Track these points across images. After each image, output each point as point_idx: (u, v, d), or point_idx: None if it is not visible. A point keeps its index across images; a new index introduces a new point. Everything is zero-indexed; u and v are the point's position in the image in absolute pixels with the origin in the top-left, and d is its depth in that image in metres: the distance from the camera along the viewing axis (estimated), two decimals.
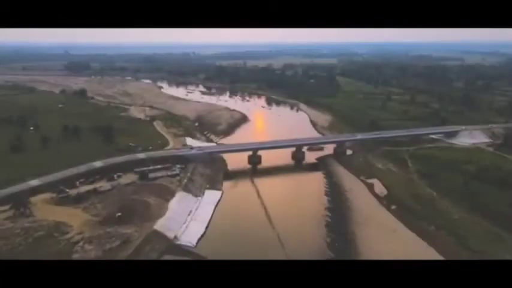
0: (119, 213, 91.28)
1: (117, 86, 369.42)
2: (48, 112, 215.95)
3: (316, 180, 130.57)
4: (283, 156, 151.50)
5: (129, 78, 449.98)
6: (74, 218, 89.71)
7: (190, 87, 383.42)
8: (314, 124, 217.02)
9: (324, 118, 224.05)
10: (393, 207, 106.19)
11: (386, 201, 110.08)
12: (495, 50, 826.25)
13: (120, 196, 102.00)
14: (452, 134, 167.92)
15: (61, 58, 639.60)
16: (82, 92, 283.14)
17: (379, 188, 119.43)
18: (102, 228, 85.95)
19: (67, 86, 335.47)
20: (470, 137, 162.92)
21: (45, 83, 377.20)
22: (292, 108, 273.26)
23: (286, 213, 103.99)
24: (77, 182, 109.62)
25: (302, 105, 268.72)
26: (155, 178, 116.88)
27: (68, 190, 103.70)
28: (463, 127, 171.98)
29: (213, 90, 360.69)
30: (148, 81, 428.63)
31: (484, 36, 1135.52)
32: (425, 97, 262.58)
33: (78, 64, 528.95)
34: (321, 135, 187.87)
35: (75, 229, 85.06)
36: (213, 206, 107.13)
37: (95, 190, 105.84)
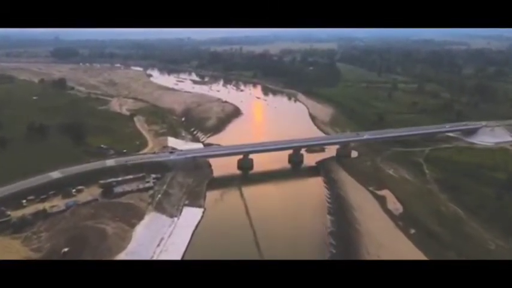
0: (65, 249, 71.39)
1: (104, 74, 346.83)
2: (19, 105, 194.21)
3: (316, 191, 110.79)
4: (279, 159, 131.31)
5: (118, 65, 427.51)
6: (7, 256, 69.69)
7: (182, 76, 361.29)
8: (313, 118, 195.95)
9: (324, 111, 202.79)
10: (412, 231, 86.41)
11: (402, 223, 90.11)
12: (499, 34, 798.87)
13: (73, 221, 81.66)
14: (471, 131, 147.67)
15: (51, 44, 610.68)
16: (61, 82, 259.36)
17: (393, 203, 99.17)
18: None
19: (49, 75, 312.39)
20: (492, 135, 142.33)
21: (27, 71, 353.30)
22: (289, 99, 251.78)
23: (280, 243, 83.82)
24: (24, 200, 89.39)
25: (300, 96, 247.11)
26: (122, 193, 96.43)
27: (9, 213, 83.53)
28: (483, 123, 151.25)
29: (206, 79, 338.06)
30: (138, 68, 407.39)
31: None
32: (434, 86, 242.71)
33: (65, 51, 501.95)
34: (321, 134, 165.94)
35: None
36: (191, 230, 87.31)
37: (44, 211, 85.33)
